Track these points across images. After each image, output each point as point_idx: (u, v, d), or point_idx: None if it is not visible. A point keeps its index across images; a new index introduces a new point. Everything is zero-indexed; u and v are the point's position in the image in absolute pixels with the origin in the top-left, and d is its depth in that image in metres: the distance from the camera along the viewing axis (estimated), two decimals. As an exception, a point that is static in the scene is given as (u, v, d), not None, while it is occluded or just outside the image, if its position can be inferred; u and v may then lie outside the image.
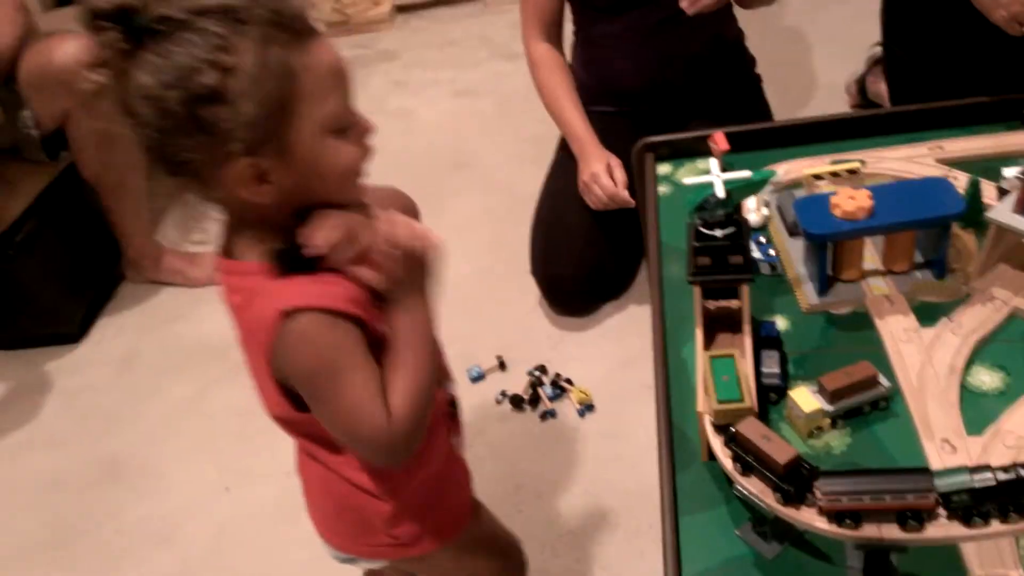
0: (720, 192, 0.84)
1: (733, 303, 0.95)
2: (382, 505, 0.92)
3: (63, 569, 1.50)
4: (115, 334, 1.97)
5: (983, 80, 1.23)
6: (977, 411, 0.87)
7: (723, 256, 0.89)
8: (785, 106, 2.19)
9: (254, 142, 0.72)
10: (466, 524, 1.01)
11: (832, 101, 2.19)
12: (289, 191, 0.77)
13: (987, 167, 1.13)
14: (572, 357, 1.63)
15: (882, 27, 1.54)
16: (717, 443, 0.81)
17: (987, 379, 0.91)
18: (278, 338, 0.76)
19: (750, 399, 0.80)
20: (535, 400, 1.54)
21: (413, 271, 0.82)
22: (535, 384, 1.55)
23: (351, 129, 0.78)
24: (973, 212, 1.04)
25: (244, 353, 0.83)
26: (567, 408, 1.54)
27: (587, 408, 1.52)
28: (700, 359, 0.88)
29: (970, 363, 0.92)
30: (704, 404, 0.85)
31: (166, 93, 0.69)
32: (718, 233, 0.88)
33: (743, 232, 0.89)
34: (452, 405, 1.00)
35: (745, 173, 0.86)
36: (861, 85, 2.13)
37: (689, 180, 0.88)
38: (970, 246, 1.05)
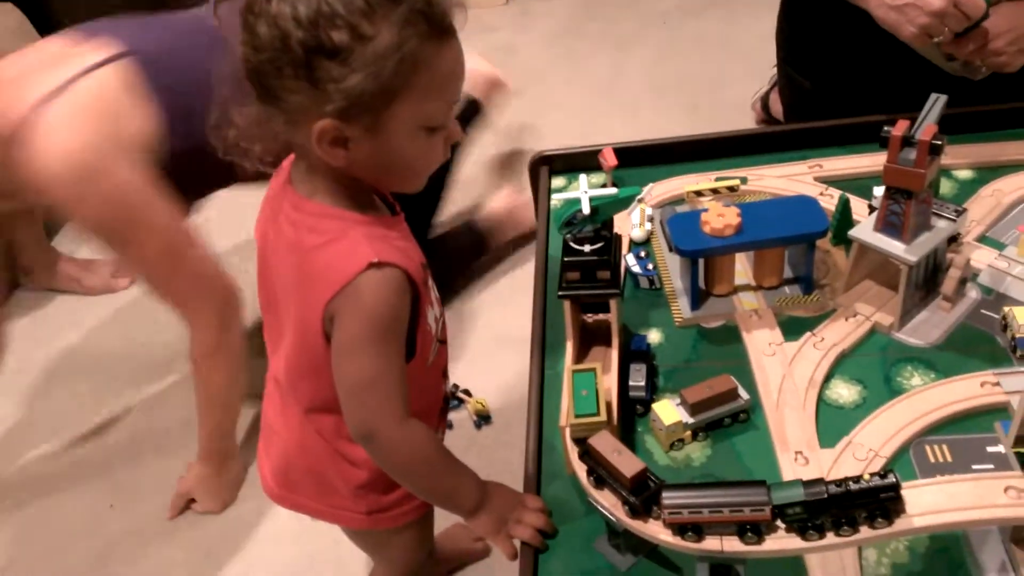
0: (586, 208, 0.85)
1: (609, 316, 0.96)
2: (358, 472, 0.94)
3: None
4: (6, 343, 1.89)
5: (876, 100, 1.27)
6: (833, 424, 0.89)
7: (592, 271, 0.90)
8: (696, 121, 2.24)
9: (351, 110, 0.73)
10: (420, 516, 1.02)
11: (743, 118, 2.24)
12: (360, 163, 0.77)
13: (862, 185, 1.16)
14: (472, 369, 1.63)
15: (777, 47, 1.58)
16: (574, 456, 0.82)
17: (845, 392, 0.93)
18: (356, 281, 0.77)
19: (606, 413, 0.81)
20: (431, 411, 1.53)
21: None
22: (432, 395, 1.54)
23: (441, 130, 0.79)
24: (842, 229, 1.08)
25: (279, 286, 0.85)
26: (464, 419, 1.53)
27: (483, 419, 1.51)
28: (566, 372, 0.89)
29: (830, 376, 0.95)
30: (566, 418, 0.85)
31: (295, 30, 0.69)
32: (586, 248, 0.89)
33: (611, 247, 0.90)
34: (446, 401, 1.04)
35: (611, 190, 0.87)
36: (765, 102, 2.19)
37: (557, 196, 0.89)
38: (840, 262, 1.08)
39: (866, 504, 0.69)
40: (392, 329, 0.81)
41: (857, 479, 0.69)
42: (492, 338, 1.69)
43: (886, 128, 0.88)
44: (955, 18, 1.08)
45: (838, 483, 0.69)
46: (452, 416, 1.53)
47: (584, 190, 0.86)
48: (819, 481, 0.70)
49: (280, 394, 0.96)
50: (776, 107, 2.12)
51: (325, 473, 0.95)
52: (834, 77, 1.44)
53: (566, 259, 0.89)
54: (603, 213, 0.88)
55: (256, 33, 0.71)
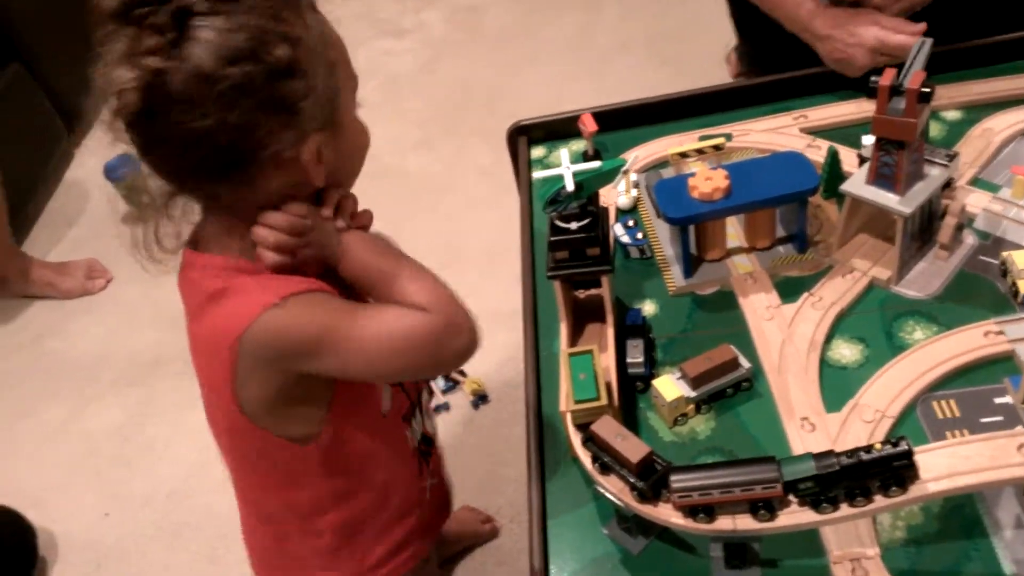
0: (570, 185, 0.81)
1: (602, 291, 0.94)
2: (319, 541, 0.89)
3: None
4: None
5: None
6: (838, 386, 0.88)
7: (581, 248, 0.87)
8: (670, 77, 2.19)
9: (323, 117, 0.70)
10: (417, 564, 0.98)
11: (718, 71, 2.18)
12: (329, 171, 0.75)
13: (849, 134, 1.14)
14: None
15: (732, 20, 1.54)
16: (577, 442, 0.80)
17: (847, 352, 0.91)
18: (261, 326, 0.71)
19: (606, 397, 0.79)
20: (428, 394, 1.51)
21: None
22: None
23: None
24: (833, 183, 1.05)
25: (199, 357, 0.79)
26: (461, 400, 1.51)
27: (481, 399, 1.50)
28: (562, 355, 0.86)
29: (831, 337, 0.93)
30: (565, 403, 0.83)
31: (244, 67, 0.63)
32: (573, 225, 0.86)
33: (599, 223, 0.87)
34: (425, 442, 0.97)
35: (595, 164, 0.84)
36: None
37: (538, 175, 0.85)
38: (833, 216, 1.05)
39: (879, 473, 0.67)
40: (340, 309, 0.76)
41: (869, 448, 0.67)
42: (479, 314, 1.67)
43: (873, 78, 0.85)
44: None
45: (849, 454, 0.67)
46: (449, 397, 1.52)
47: (566, 166, 0.82)
48: (830, 453, 0.68)
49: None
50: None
51: (294, 553, 0.92)
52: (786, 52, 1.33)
53: (553, 239, 0.86)
54: (588, 187, 0.84)
55: (205, 103, 0.64)
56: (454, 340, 0.78)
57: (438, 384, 1.52)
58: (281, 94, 0.66)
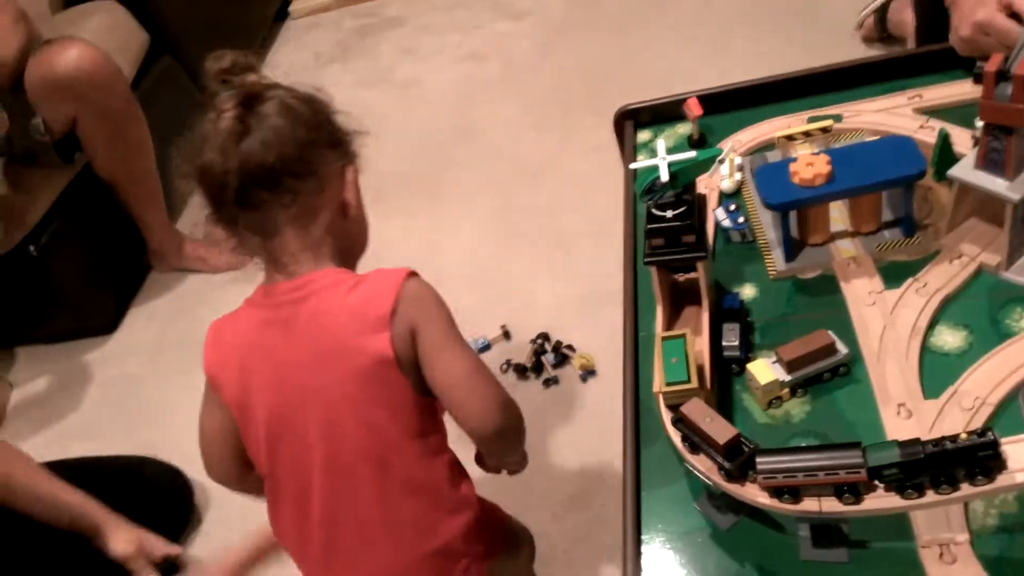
0: (664, 176, 0.85)
1: (698, 275, 0.97)
2: (459, 518, 0.93)
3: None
4: (146, 323, 2.06)
5: None
6: (939, 373, 0.87)
7: (676, 236, 0.90)
8: (793, 48, 2.13)
9: (351, 156, 0.94)
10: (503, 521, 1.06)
11: (846, 40, 2.10)
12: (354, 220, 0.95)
13: (967, 114, 1.10)
14: (576, 323, 1.65)
15: None
16: (668, 422, 0.84)
17: (950, 339, 0.91)
18: (406, 289, 0.86)
19: (696, 380, 0.82)
20: (539, 368, 1.58)
21: None
22: (538, 352, 1.59)
23: None
24: (944, 165, 1.03)
25: (338, 322, 0.86)
26: (570, 374, 1.57)
27: (589, 373, 1.55)
28: (656, 339, 0.90)
29: (935, 322, 0.92)
30: (658, 384, 0.87)
31: (309, 111, 0.88)
32: (669, 214, 0.89)
33: (695, 211, 0.90)
34: None
35: (690, 154, 0.87)
36: (882, 16, 1.99)
37: (634, 165, 0.89)
38: (943, 199, 1.03)
39: (965, 462, 0.68)
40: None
41: (955, 438, 0.68)
42: (591, 292, 1.71)
43: (979, 63, 0.84)
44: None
45: (935, 443, 0.69)
46: (558, 372, 1.57)
47: (662, 156, 0.85)
48: (915, 441, 0.70)
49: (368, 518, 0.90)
50: (897, 17, 1.93)
51: (438, 540, 0.92)
52: None
53: (650, 226, 0.90)
54: (684, 176, 0.87)
55: (295, 120, 0.86)
56: (510, 423, 0.92)
57: (548, 358, 1.58)
58: (333, 127, 0.92)
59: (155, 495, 1.59)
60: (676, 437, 0.82)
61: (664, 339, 0.87)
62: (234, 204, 0.85)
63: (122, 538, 1.36)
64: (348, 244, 0.94)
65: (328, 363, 0.86)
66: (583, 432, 1.48)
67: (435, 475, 0.91)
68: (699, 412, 0.79)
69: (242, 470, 0.95)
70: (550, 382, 1.55)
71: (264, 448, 0.89)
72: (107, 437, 1.81)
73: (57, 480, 1.34)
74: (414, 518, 0.91)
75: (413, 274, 0.88)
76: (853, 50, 2.06)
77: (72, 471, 1.41)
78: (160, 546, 1.40)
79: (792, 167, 0.97)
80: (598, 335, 1.60)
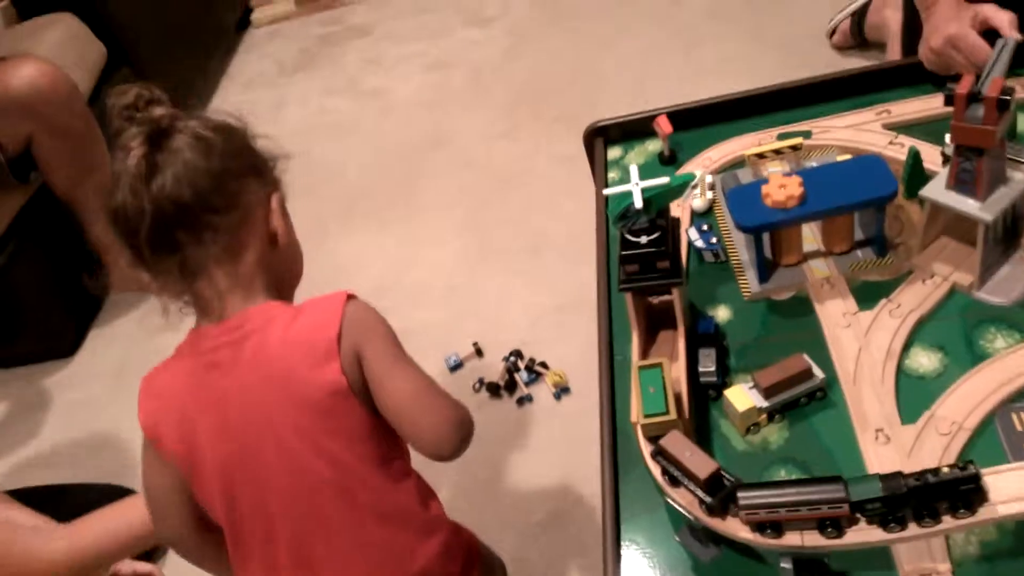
0: (638, 202, 0.83)
1: (674, 299, 0.96)
2: (433, 540, 0.90)
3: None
4: (106, 346, 2.00)
5: None
6: (915, 396, 0.87)
7: (651, 262, 0.89)
8: (763, 52, 2.13)
9: (275, 176, 0.90)
10: (476, 541, 1.01)
11: (816, 46, 2.10)
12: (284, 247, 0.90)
13: (934, 130, 1.11)
14: (549, 338, 1.64)
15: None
16: (647, 454, 0.83)
17: (925, 361, 0.91)
18: (348, 312, 0.84)
19: (675, 411, 0.81)
20: (512, 386, 1.56)
21: None
22: (511, 370, 1.57)
23: None
24: (914, 183, 1.03)
25: (284, 357, 0.83)
26: (544, 392, 1.55)
27: (563, 391, 1.53)
28: (633, 368, 0.89)
29: (909, 344, 0.92)
30: (636, 415, 0.86)
31: (223, 140, 0.84)
32: (643, 240, 0.88)
33: (668, 237, 0.89)
34: None
35: (663, 180, 0.85)
36: (859, 19, 1.96)
37: (608, 191, 0.88)
38: (914, 217, 1.03)
39: (947, 495, 0.68)
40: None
41: (936, 471, 0.68)
42: (564, 304, 1.70)
43: (949, 84, 0.84)
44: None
45: (917, 476, 0.68)
46: (531, 389, 1.56)
47: (635, 182, 0.84)
48: (897, 475, 0.69)
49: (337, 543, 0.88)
50: (875, 20, 1.90)
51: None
52: None
53: (624, 252, 0.89)
54: (657, 202, 0.86)
55: (209, 151, 0.82)
56: (457, 428, 0.87)
57: (521, 376, 1.56)
58: (253, 154, 0.88)
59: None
60: (656, 470, 0.80)
61: (641, 368, 0.85)
62: (149, 248, 0.81)
63: None
64: (281, 275, 0.90)
65: (279, 401, 0.83)
66: (558, 451, 1.46)
67: (403, 499, 0.89)
68: (679, 445, 0.77)
69: (196, 527, 0.91)
70: (523, 400, 1.54)
71: (220, 499, 0.86)
72: (69, 464, 1.76)
73: (17, 504, 1.29)
74: (389, 545, 0.88)
75: (352, 297, 0.86)
76: (826, 51, 2.06)
77: (33, 499, 1.36)
78: (128, 562, 1.35)
79: (764, 189, 0.96)
80: (572, 350, 1.58)
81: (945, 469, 0.67)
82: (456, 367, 1.63)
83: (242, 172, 0.85)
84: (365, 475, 0.86)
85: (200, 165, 0.81)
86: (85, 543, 1.07)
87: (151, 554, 1.52)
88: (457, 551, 0.94)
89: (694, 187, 1.10)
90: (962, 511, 0.68)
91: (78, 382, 1.94)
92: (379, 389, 0.84)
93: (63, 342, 1.99)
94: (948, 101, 0.85)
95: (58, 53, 1.91)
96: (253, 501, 0.85)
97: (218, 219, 0.82)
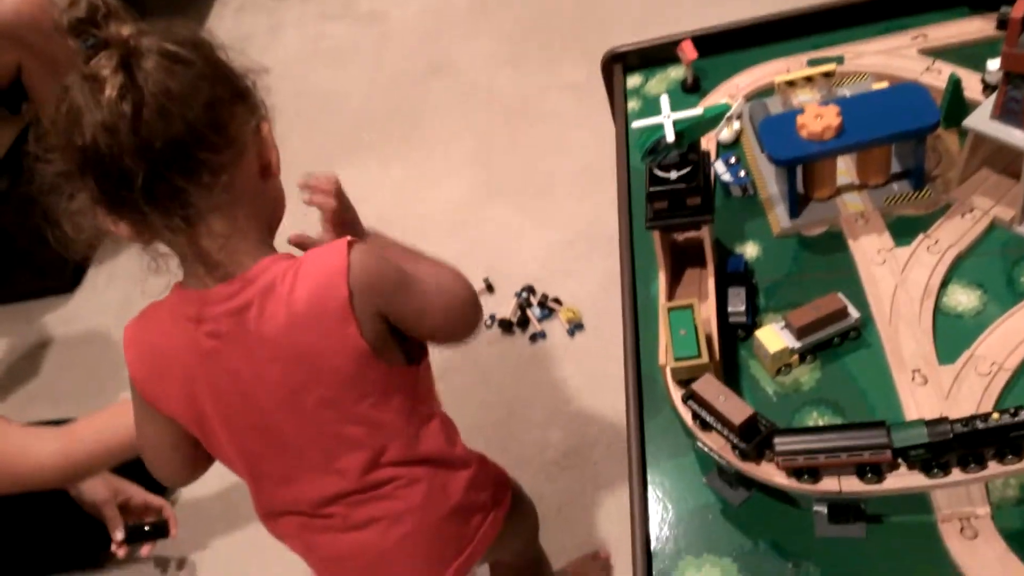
0: (670, 136, 0.79)
1: (702, 235, 0.92)
2: (462, 474, 0.90)
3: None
4: (107, 283, 1.97)
5: None
6: (953, 335, 0.84)
7: (680, 198, 0.85)
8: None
9: (259, 99, 0.77)
10: (510, 487, 1.00)
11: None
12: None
13: (973, 55, 1.05)
14: (562, 273, 1.60)
15: None
16: (676, 397, 0.80)
17: (964, 299, 0.87)
18: (356, 269, 0.75)
19: (707, 354, 0.78)
20: (524, 322, 1.53)
21: None
22: (523, 306, 1.54)
23: None
24: (954, 112, 0.98)
25: (295, 332, 0.76)
26: (557, 328, 1.52)
27: (577, 327, 1.50)
28: (661, 309, 0.86)
29: (947, 281, 0.89)
30: (665, 357, 0.83)
31: (202, 60, 0.71)
32: (672, 175, 0.84)
33: (700, 171, 0.84)
34: None
35: (696, 111, 0.81)
36: None
37: (637, 124, 0.83)
38: (953, 150, 0.99)
39: (994, 441, 0.65)
40: (401, 255, 0.86)
41: (985, 417, 0.65)
42: (576, 239, 1.66)
43: (1004, 8, 0.78)
44: None
45: (964, 422, 0.65)
46: (544, 325, 1.53)
47: (666, 115, 0.79)
48: (943, 420, 0.66)
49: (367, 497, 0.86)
50: None
51: (454, 501, 0.89)
52: None
53: (652, 189, 0.84)
54: (689, 135, 0.82)
55: (190, 75, 0.70)
56: (479, 311, 0.87)
57: (534, 312, 1.53)
58: (242, 85, 0.75)
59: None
60: (687, 415, 0.78)
61: (671, 309, 0.82)
62: (143, 198, 0.69)
63: (96, 482, 1.30)
64: (270, 213, 0.81)
65: (299, 380, 0.78)
66: (573, 388, 1.44)
67: (432, 443, 0.87)
68: (712, 390, 0.74)
69: (192, 469, 0.90)
70: (537, 337, 1.51)
71: (241, 467, 0.86)
72: (72, 399, 1.74)
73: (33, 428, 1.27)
74: (428, 490, 0.87)
75: (352, 244, 0.76)
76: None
77: None
78: (140, 493, 1.35)
79: (799, 119, 0.91)
80: (586, 286, 1.55)
81: (995, 415, 0.65)
82: (466, 303, 1.59)
83: (229, 97, 0.73)
84: (397, 429, 0.84)
85: (186, 92, 0.69)
86: (77, 448, 1.05)
87: (165, 488, 1.52)
88: (485, 481, 0.93)
89: (729, 118, 1.04)
90: (1010, 457, 0.65)
91: (79, 318, 1.91)
92: (414, 330, 0.82)
93: (62, 278, 1.96)
94: (1001, 25, 0.79)
95: (45, -23, 1.82)
96: (281, 474, 0.84)
97: (216, 157, 0.71)
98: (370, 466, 0.83)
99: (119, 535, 1.31)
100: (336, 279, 0.74)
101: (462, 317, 0.86)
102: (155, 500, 1.37)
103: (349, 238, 0.77)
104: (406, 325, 0.81)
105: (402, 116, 2.10)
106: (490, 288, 1.61)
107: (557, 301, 1.54)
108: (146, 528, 1.35)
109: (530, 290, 1.56)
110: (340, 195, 0.87)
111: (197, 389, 0.80)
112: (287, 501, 0.87)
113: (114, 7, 0.70)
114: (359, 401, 0.80)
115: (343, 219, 0.87)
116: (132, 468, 1.40)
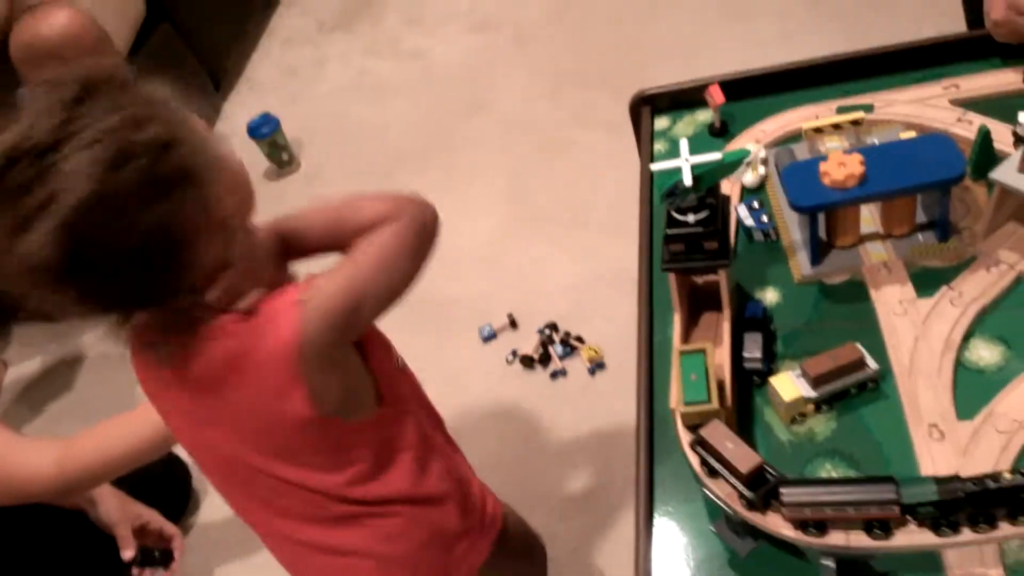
0: (688, 180, 0.79)
1: (720, 279, 0.91)
2: (449, 508, 0.91)
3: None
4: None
5: None
6: (973, 390, 0.82)
7: (698, 242, 0.85)
8: (825, 17, 2.03)
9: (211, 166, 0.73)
10: (500, 513, 1.00)
11: (875, 17, 2.00)
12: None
13: (1006, 106, 1.04)
14: (588, 311, 1.60)
15: None
16: (686, 442, 0.79)
17: (986, 353, 0.85)
18: (305, 320, 0.73)
19: (717, 400, 0.77)
20: (545, 359, 1.53)
21: None
22: (545, 343, 1.54)
23: None
24: (983, 164, 0.97)
25: (241, 392, 0.77)
26: (578, 366, 1.52)
27: (598, 366, 1.50)
28: (674, 352, 0.85)
29: (970, 335, 0.87)
30: (675, 401, 0.82)
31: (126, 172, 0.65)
32: (690, 219, 0.84)
33: (718, 215, 0.84)
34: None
35: (715, 155, 0.81)
36: None
37: (656, 166, 0.83)
38: (981, 201, 0.97)
39: (1006, 502, 0.63)
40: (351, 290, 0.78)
41: (997, 477, 0.63)
42: (604, 276, 1.66)
43: (1034, 62, 0.77)
44: None
45: (975, 481, 0.64)
46: (566, 363, 1.53)
47: (685, 158, 0.80)
48: (954, 478, 0.65)
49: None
50: None
51: (431, 529, 0.90)
52: None
53: (669, 231, 0.84)
54: (708, 179, 0.82)
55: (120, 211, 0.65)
56: (427, 218, 0.80)
57: (556, 350, 1.53)
58: (169, 167, 0.66)
59: (151, 479, 1.55)
60: (694, 460, 0.77)
61: (683, 353, 0.82)
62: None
63: (112, 503, 1.32)
64: (246, 261, 0.76)
65: (266, 446, 0.81)
66: (591, 428, 1.43)
67: (400, 483, 0.87)
68: (720, 436, 0.74)
69: None
70: (557, 374, 1.51)
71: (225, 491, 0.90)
72: (104, 416, 1.75)
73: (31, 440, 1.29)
74: (400, 520, 0.87)
75: (298, 304, 0.74)
76: (888, 20, 1.96)
77: None
78: (156, 518, 1.36)
79: (822, 167, 0.91)
80: (610, 325, 1.55)
81: (1007, 475, 0.63)
82: (490, 338, 1.60)
83: (172, 195, 0.67)
84: (357, 476, 0.84)
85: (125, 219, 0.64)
86: (73, 461, 1.05)
87: (180, 515, 1.54)
88: (468, 508, 0.94)
89: (748, 163, 1.04)
90: (1022, 518, 0.63)
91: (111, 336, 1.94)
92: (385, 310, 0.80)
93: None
94: (1028, 76, 0.78)
95: (96, 6, 1.89)
96: (262, 518, 0.89)
97: (170, 276, 0.70)
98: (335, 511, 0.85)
99: (128, 553, 1.32)
100: (283, 342, 0.73)
101: (417, 248, 0.80)
102: (169, 528, 1.39)
103: (297, 296, 0.75)
104: (378, 316, 0.80)
105: (439, 152, 2.13)
106: (513, 324, 1.61)
107: (579, 339, 1.54)
108: (156, 554, 1.36)
109: (553, 327, 1.57)
110: None
111: (190, 443, 0.87)
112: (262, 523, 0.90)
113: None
114: (309, 455, 0.82)
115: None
116: (151, 493, 1.44)
